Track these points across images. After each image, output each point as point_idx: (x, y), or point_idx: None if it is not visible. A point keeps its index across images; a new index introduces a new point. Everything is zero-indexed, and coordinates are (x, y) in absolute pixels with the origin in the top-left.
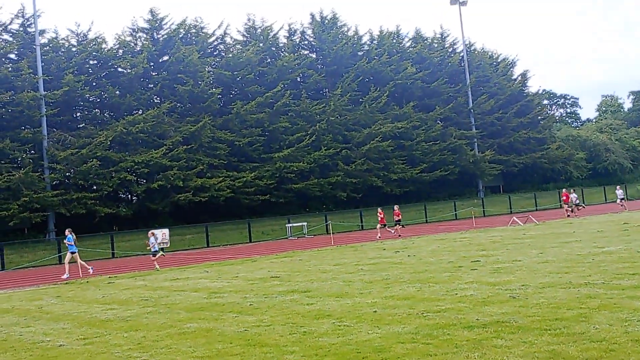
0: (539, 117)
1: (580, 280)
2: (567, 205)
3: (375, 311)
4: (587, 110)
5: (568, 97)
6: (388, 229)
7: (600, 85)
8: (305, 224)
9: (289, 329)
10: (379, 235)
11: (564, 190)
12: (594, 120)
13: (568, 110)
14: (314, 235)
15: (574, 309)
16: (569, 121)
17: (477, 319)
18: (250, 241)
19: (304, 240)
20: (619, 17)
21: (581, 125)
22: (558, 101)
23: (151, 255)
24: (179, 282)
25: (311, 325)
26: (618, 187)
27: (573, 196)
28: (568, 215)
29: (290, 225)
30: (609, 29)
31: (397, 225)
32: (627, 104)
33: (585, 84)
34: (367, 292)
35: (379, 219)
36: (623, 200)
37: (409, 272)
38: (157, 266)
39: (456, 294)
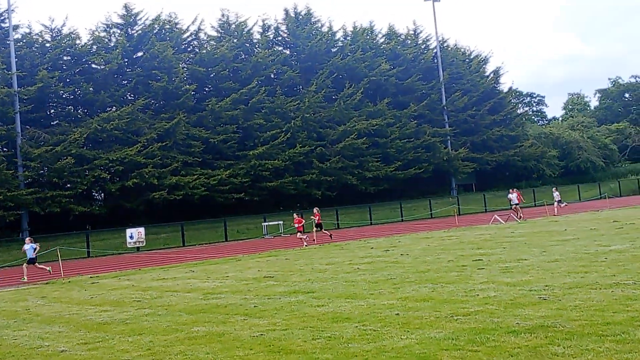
0: (512, 115)
1: (607, 280)
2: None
3: (397, 314)
4: (553, 109)
5: (534, 95)
6: (299, 237)
7: (563, 83)
8: (281, 222)
9: (309, 333)
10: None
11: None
12: (560, 119)
13: (534, 108)
14: (290, 234)
15: (621, 312)
16: (536, 119)
17: (518, 323)
18: (226, 240)
19: (280, 240)
20: (581, 16)
21: (547, 123)
22: (524, 99)
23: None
24: (167, 282)
25: (332, 329)
26: (554, 188)
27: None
28: (520, 216)
29: (267, 224)
30: (572, 27)
31: (317, 229)
32: (594, 102)
33: (549, 83)
34: (376, 292)
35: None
36: (560, 203)
37: (412, 272)
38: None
39: (477, 294)
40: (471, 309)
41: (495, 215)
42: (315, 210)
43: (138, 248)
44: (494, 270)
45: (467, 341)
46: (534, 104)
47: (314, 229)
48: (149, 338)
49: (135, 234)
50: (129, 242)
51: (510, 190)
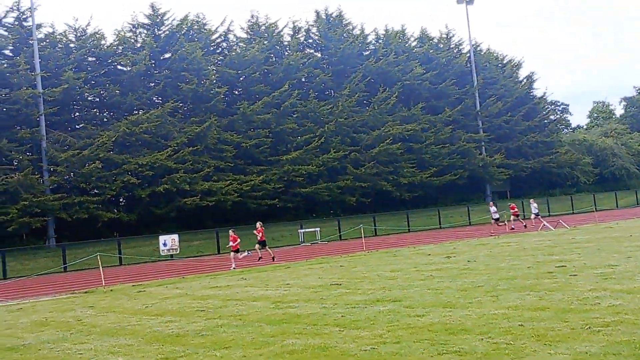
0: (546, 121)
1: None
2: (513, 218)
3: (521, 325)
4: (577, 117)
5: (559, 104)
6: (237, 256)
7: (586, 92)
8: (318, 229)
9: (429, 347)
10: (260, 255)
11: (510, 204)
12: (584, 127)
13: (559, 116)
14: (327, 241)
15: None
16: (560, 127)
17: None
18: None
19: (318, 247)
20: (607, 25)
21: (572, 131)
22: (548, 107)
23: None
24: (222, 290)
25: (454, 342)
26: (532, 200)
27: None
28: (513, 228)
29: (303, 231)
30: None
31: (259, 246)
32: (619, 110)
33: (572, 91)
34: (475, 301)
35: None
36: (538, 216)
37: (497, 279)
38: None
39: (597, 302)
40: (604, 318)
41: (544, 222)
42: (257, 225)
43: (172, 255)
44: (591, 277)
45: (633, 356)
46: (558, 112)
47: (256, 246)
48: (240, 352)
49: (169, 241)
50: (162, 250)
51: (491, 202)
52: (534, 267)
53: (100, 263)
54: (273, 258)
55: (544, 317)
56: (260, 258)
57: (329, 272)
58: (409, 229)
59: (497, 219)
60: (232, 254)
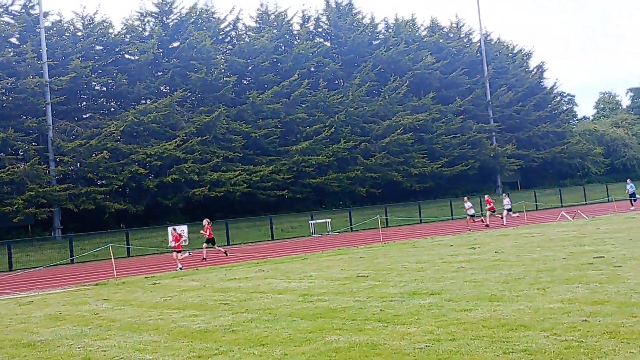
0: (557, 111)
1: None
2: (489, 213)
3: (585, 320)
4: (583, 108)
5: (564, 95)
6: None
7: (590, 83)
8: (329, 220)
9: (491, 344)
10: (204, 257)
11: (486, 196)
12: (591, 118)
13: (570, 107)
14: (338, 232)
15: None
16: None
17: None
18: (273, 239)
19: (330, 238)
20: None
21: (578, 122)
22: (558, 98)
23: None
24: (242, 282)
25: (517, 339)
26: (504, 194)
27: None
28: (487, 225)
29: (314, 222)
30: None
31: (208, 244)
32: (625, 101)
33: (577, 82)
34: (522, 294)
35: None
36: (510, 212)
37: (535, 270)
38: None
39: None
40: None
41: (562, 212)
42: (205, 222)
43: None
44: (636, 268)
45: None
46: (564, 103)
47: (204, 245)
48: (279, 350)
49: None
50: (171, 241)
51: (465, 198)
52: (570, 258)
53: (112, 254)
54: (225, 253)
55: (607, 311)
56: (204, 259)
57: (351, 263)
58: (420, 220)
59: (472, 215)
60: (175, 254)
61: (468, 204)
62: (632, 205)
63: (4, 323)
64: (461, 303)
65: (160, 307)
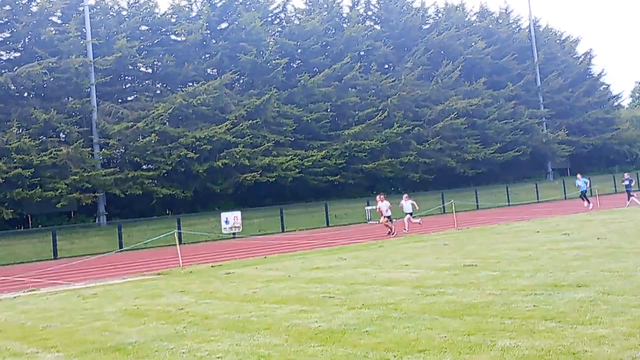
0: (606, 97)
1: None
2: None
3: None
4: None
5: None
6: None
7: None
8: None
9: None
10: None
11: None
12: (626, 107)
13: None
14: (395, 219)
15: None
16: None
17: None
18: (328, 225)
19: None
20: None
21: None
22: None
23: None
24: (329, 272)
25: None
26: (406, 196)
27: (408, 203)
28: (385, 225)
29: (370, 208)
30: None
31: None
32: None
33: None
34: None
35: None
36: (412, 217)
37: None
38: None
39: None
40: None
41: (633, 198)
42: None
43: (234, 234)
44: None
45: None
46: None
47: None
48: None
49: (231, 219)
50: (225, 228)
51: (381, 196)
52: None
53: (177, 242)
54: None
55: None
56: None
57: (441, 251)
58: (477, 206)
59: (410, 213)
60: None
61: (406, 203)
62: (588, 202)
63: (76, 320)
64: (627, 297)
65: (253, 301)
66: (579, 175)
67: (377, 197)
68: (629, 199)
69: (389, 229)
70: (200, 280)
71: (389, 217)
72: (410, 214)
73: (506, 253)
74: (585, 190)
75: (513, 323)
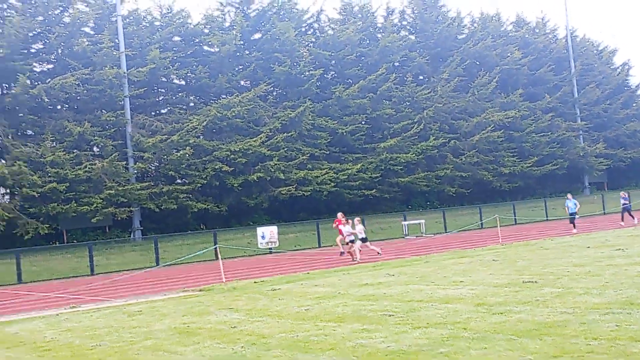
0: None
1: None
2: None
3: None
4: None
5: None
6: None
7: None
8: (423, 221)
9: None
10: None
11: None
12: None
13: None
14: (433, 234)
15: None
16: None
17: None
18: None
19: (426, 240)
20: None
21: None
22: None
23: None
24: (380, 288)
25: None
26: (357, 219)
27: (359, 228)
28: (349, 252)
29: (407, 223)
30: None
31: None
32: None
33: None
34: None
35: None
36: (367, 243)
37: None
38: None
39: None
40: None
41: (356, 251)
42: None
43: (270, 249)
44: None
45: None
46: None
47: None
48: None
49: (268, 234)
50: (261, 243)
51: (357, 219)
52: None
53: (219, 257)
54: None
55: None
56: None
57: (492, 267)
58: (515, 221)
59: (363, 239)
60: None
61: (359, 227)
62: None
63: (125, 338)
64: None
65: (308, 319)
66: (569, 196)
67: (341, 217)
68: None
69: (351, 256)
70: (246, 297)
71: (352, 241)
72: (364, 239)
73: (563, 269)
74: (575, 212)
75: (600, 345)
